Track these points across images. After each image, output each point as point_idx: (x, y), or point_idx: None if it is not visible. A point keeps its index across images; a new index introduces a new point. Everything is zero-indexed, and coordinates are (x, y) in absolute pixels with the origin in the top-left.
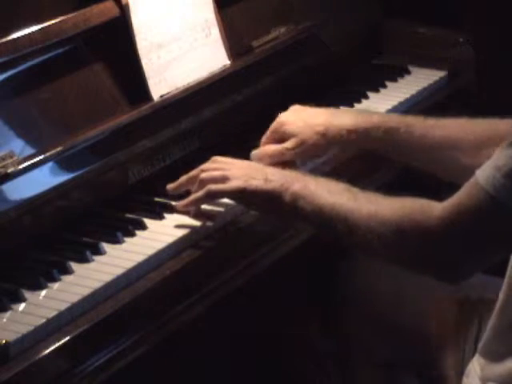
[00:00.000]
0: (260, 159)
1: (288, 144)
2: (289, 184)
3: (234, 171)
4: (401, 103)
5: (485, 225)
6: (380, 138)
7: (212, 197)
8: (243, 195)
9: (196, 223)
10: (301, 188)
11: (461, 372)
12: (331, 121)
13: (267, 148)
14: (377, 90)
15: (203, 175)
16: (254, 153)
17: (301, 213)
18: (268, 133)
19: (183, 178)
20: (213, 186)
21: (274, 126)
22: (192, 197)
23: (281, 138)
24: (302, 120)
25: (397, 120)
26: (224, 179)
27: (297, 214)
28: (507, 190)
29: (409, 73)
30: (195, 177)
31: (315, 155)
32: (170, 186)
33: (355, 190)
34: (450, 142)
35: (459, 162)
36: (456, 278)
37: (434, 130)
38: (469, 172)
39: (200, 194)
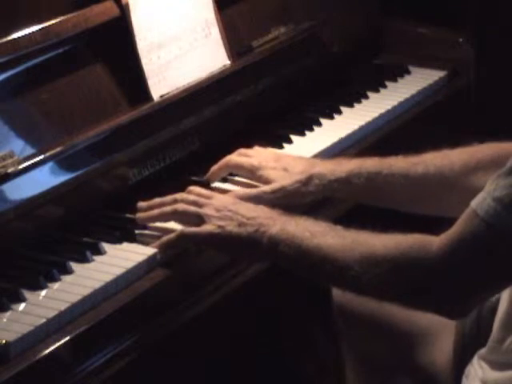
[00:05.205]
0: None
1: (267, 188)
2: (265, 228)
3: (208, 211)
4: (401, 103)
5: (488, 257)
6: (362, 184)
7: (184, 240)
8: (216, 241)
9: None
10: (279, 231)
11: (459, 373)
12: (312, 170)
13: (245, 190)
14: (377, 90)
15: (179, 207)
16: (235, 193)
17: (281, 257)
18: (231, 166)
19: (156, 201)
20: (186, 230)
21: (244, 165)
22: (165, 238)
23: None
24: (282, 167)
25: (377, 163)
26: (197, 218)
27: (277, 259)
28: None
29: (409, 73)
30: (168, 204)
31: (294, 202)
32: (141, 204)
33: (338, 227)
34: (430, 177)
35: (444, 194)
36: (460, 313)
37: (416, 167)
38: (460, 204)
39: (173, 236)
